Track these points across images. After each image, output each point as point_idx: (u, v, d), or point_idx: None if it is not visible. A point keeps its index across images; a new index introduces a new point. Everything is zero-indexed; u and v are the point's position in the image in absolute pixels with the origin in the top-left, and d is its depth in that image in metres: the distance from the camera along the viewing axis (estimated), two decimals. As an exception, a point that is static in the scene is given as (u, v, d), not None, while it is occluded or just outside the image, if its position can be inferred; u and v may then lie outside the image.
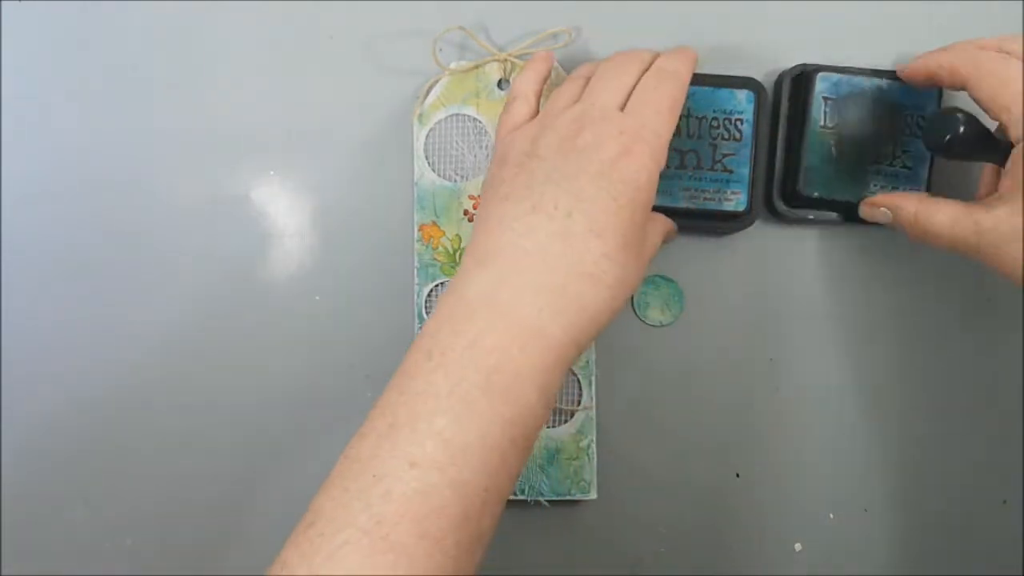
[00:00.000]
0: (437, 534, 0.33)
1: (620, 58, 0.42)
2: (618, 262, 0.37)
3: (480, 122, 0.47)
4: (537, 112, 0.43)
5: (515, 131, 0.41)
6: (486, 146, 0.47)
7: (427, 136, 0.47)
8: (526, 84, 0.43)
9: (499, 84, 0.47)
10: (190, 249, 0.48)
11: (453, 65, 0.47)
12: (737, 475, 0.49)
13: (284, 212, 0.48)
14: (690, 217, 0.46)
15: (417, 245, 0.47)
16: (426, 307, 0.47)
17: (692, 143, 0.45)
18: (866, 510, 0.50)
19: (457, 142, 0.47)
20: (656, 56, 0.42)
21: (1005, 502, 0.50)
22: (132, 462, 0.48)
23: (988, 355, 0.50)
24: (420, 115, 0.47)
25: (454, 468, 0.33)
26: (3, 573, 0.48)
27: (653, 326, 0.49)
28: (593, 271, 0.37)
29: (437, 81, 0.47)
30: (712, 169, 0.46)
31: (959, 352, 0.50)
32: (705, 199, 0.46)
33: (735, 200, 0.46)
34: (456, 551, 0.33)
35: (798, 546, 0.50)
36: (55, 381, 0.48)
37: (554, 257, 0.37)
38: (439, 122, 0.47)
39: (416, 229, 0.47)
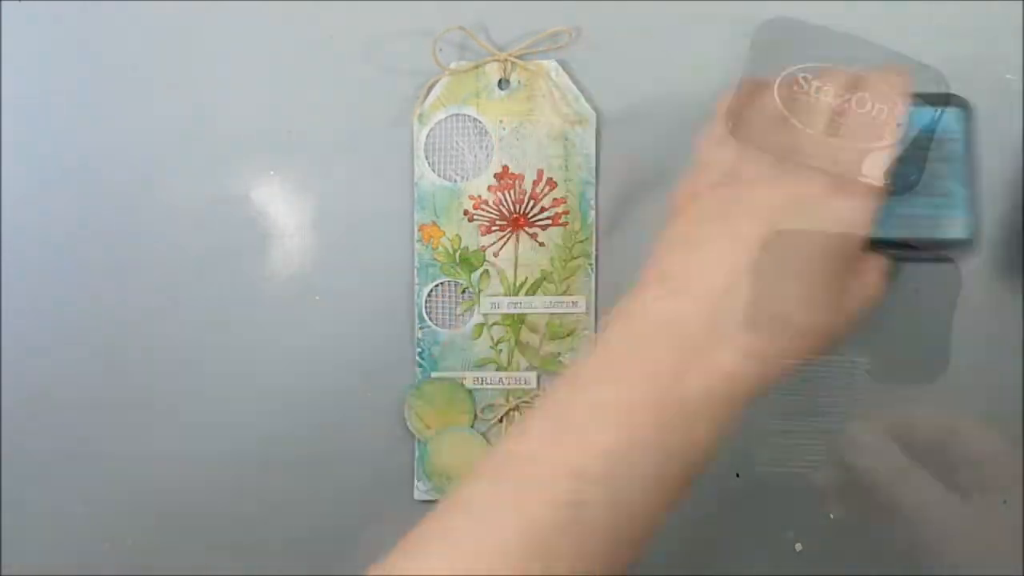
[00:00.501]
0: (582, 549, 0.32)
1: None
2: (814, 306, 0.36)
3: (480, 122, 0.47)
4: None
5: (713, 146, 0.39)
6: (486, 146, 0.47)
7: (427, 136, 0.47)
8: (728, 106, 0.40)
9: (499, 84, 0.47)
10: (190, 249, 0.48)
11: (453, 65, 0.47)
12: (737, 475, 0.49)
13: (284, 212, 0.48)
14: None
15: (417, 245, 0.47)
16: (426, 307, 0.47)
17: None
18: (866, 510, 0.50)
19: (457, 142, 0.47)
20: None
21: (1005, 502, 0.50)
22: (132, 462, 0.48)
23: (989, 354, 0.50)
24: (420, 115, 0.47)
25: (613, 487, 0.33)
26: (3, 573, 0.48)
27: (653, 326, 0.49)
28: (781, 311, 0.35)
29: (437, 81, 0.47)
30: None
31: (960, 351, 0.50)
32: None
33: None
34: (596, 570, 0.33)
35: (798, 546, 0.50)
36: (55, 380, 0.48)
37: (746, 291, 0.35)
38: (439, 122, 0.47)
39: (416, 229, 0.47)
